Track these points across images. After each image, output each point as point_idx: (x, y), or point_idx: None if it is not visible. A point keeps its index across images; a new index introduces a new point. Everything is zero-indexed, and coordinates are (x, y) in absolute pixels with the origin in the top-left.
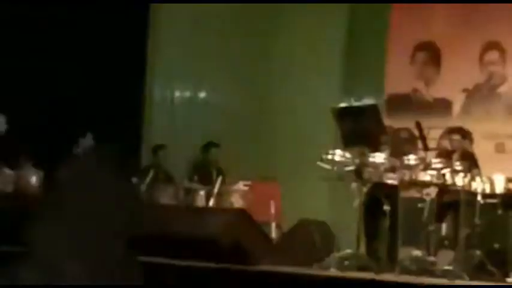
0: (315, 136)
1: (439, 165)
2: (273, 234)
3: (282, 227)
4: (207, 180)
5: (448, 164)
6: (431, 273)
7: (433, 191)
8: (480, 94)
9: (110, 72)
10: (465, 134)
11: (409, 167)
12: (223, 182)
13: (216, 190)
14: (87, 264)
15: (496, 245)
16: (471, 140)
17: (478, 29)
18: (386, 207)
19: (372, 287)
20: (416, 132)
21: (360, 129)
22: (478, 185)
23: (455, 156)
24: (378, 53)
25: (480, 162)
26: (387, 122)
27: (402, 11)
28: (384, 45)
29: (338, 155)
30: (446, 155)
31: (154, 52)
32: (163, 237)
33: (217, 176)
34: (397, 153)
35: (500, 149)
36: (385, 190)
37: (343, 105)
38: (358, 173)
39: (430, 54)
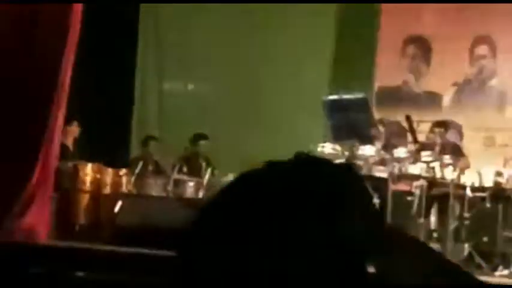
0: (304, 128)
1: (429, 159)
2: None
3: None
4: (196, 172)
5: (438, 157)
6: None
7: (422, 184)
8: (470, 88)
9: (100, 63)
10: (448, 127)
11: (399, 160)
12: (212, 174)
13: (205, 182)
14: None
15: (485, 238)
16: (460, 134)
17: (468, 22)
18: (375, 200)
19: None
20: (406, 125)
21: (349, 122)
22: (466, 178)
23: (436, 148)
24: (368, 46)
25: (469, 156)
26: (377, 114)
27: (393, 4)
28: (374, 38)
29: (328, 147)
30: (429, 148)
31: (145, 44)
32: (152, 228)
33: (207, 167)
34: (387, 146)
35: (489, 142)
36: (375, 183)
37: (333, 98)
38: None
39: (420, 48)
